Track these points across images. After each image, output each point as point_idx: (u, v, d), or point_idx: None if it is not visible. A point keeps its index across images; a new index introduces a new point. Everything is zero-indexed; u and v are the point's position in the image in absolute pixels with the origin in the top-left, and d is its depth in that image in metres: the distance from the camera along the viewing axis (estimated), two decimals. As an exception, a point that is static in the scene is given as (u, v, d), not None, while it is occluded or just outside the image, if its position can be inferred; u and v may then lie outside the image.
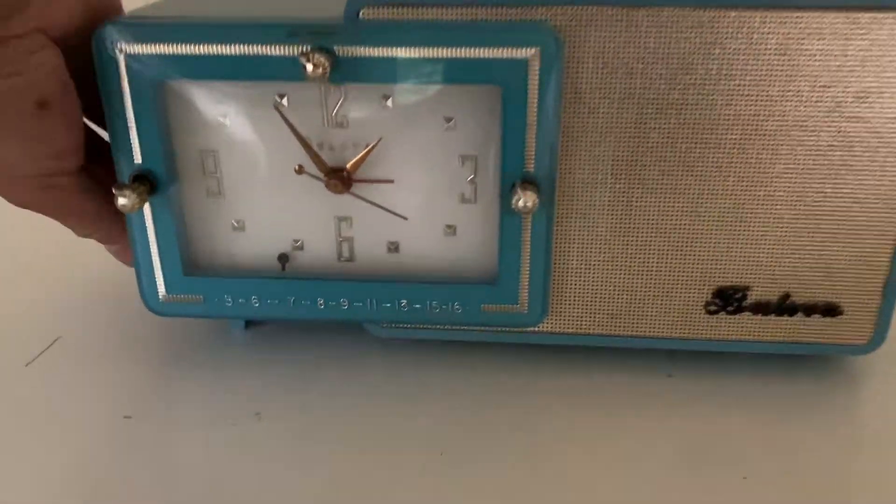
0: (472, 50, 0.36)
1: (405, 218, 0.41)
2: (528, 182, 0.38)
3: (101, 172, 0.40)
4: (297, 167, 0.40)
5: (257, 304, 0.43)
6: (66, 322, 0.49)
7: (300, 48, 0.36)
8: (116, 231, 0.42)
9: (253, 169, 0.41)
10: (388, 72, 0.37)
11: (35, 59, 0.34)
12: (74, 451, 0.39)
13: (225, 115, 0.40)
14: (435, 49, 0.36)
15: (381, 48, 0.36)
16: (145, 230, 0.41)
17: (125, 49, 0.37)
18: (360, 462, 0.39)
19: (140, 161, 0.40)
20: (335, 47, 0.36)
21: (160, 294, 0.43)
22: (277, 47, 0.37)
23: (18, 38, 0.33)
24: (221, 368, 0.45)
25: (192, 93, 0.39)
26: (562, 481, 0.37)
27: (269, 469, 0.38)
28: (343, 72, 0.37)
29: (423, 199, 0.41)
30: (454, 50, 0.36)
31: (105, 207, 0.40)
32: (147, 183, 0.40)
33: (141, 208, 0.40)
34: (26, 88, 0.34)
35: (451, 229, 0.42)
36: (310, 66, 0.36)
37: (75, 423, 0.41)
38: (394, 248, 0.43)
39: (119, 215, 0.41)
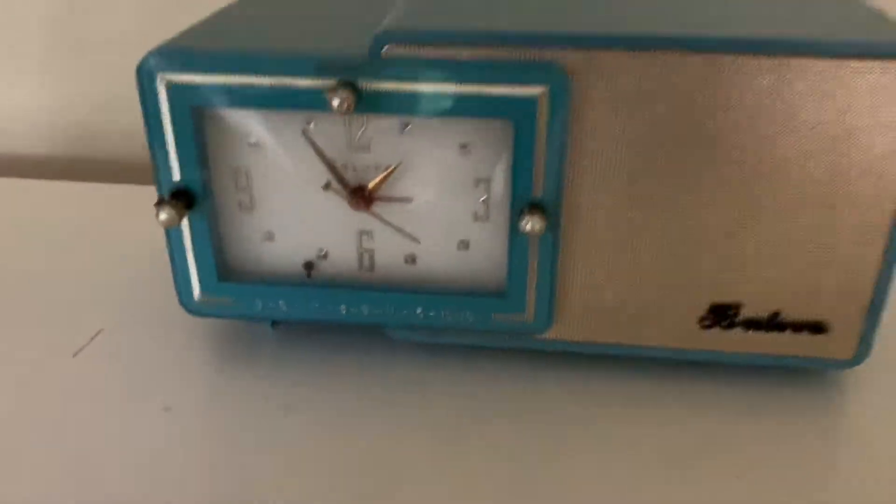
0: (486, 87, 0.39)
1: (418, 241, 0.44)
2: (536, 207, 0.41)
3: None
4: (325, 183, 0.44)
5: (284, 308, 0.46)
6: (108, 315, 0.53)
7: (327, 83, 0.39)
8: None
9: (282, 186, 0.44)
10: (407, 105, 0.40)
11: None
12: (114, 443, 0.43)
13: (257, 138, 0.43)
14: (451, 85, 0.39)
15: (401, 83, 0.39)
16: (182, 240, 0.45)
17: (165, 78, 0.41)
18: (378, 458, 0.42)
19: (179, 178, 0.43)
20: (359, 81, 0.39)
21: (195, 296, 0.47)
22: (306, 80, 0.40)
23: None
24: (254, 366, 0.49)
25: (227, 117, 0.43)
26: (558, 482, 0.41)
27: (294, 462, 0.42)
28: (366, 104, 0.40)
29: (438, 216, 0.44)
30: (469, 87, 0.39)
31: None
32: (185, 198, 0.43)
33: (180, 223, 0.43)
34: None
35: (464, 244, 0.45)
36: (336, 101, 0.38)
37: (118, 413, 0.45)
38: (411, 260, 0.46)
39: None
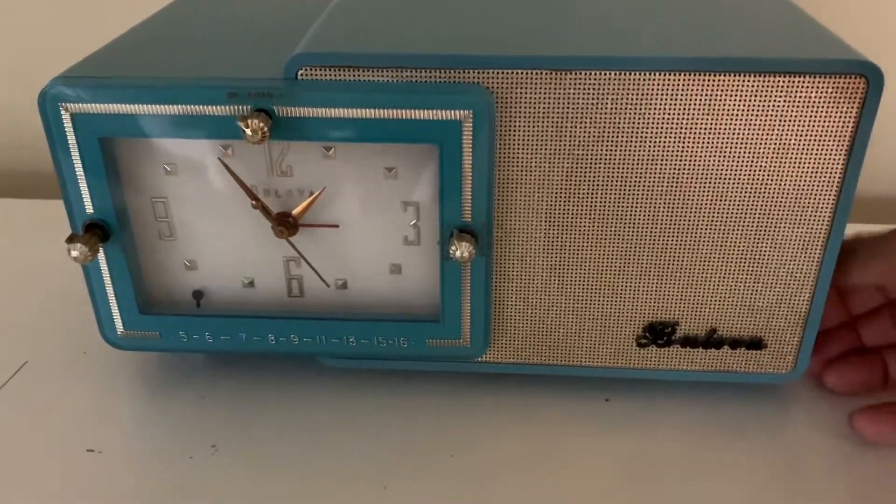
0: (408, 111, 0.37)
1: (328, 284, 0.43)
2: (465, 232, 0.40)
3: None
4: (253, 202, 0.42)
5: (211, 340, 0.45)
6: (34, 346, 0.51)
7: (239, 110, 0.37)
8: None
9: (203, 213, 0.42)
10: (326, 130, 0.38)
11: None
12: (35, 486, 0.41)
13: (172, 166, 0.41)
14: (372, 110, 0.37)
15: (319, 108, 0.38)
16: (100, 272, 0.43)
17: (69, 108, 0.38)
18: (314, 492, 0.41)
19: (92, 211, 0.41)
20: (274, 107, 0.37)
21: (118, 330, 0.45)
22: (218, 108, 0.38)
23: None
24: (180, 399, 0.47)
25: (139, 146, 0.40)
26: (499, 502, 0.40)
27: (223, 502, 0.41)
28: (283, 130, 0.38)
29: (368, 240, 0.43)
30: (390, 111, 0.37)
31: None
32: (99, 231, 0.41)
33: (94, 258, 0.41)
34: None
35: (396, 268, 0.44)
36: (248, 131, 0.37)
37: (39, 455, 0.43)
38: (342, 284, 0.44)
39: None
